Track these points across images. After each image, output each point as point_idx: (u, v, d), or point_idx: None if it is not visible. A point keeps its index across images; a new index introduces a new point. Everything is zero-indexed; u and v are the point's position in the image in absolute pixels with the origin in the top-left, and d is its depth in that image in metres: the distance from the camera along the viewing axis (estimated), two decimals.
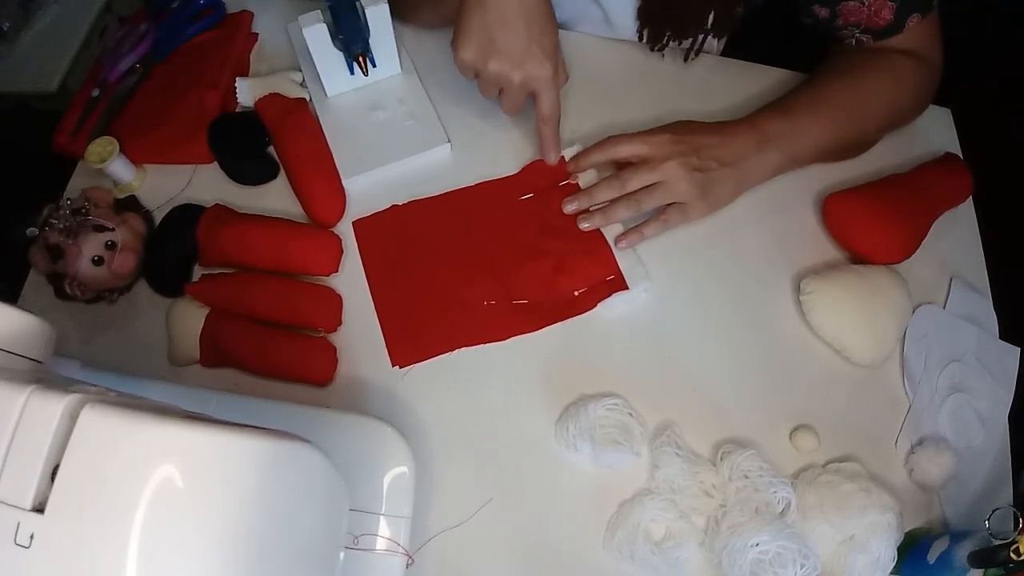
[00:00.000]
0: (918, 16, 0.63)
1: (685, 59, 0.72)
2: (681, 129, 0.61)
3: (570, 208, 0.63)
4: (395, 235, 0.64)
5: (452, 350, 0.59)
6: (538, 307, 0.61)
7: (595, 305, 0.60)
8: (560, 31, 0.71)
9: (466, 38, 0.57)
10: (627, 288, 0.60)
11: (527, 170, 0.66)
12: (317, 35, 0.61)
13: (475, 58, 0.57)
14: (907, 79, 0.65)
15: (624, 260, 0.62)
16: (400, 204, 0.65)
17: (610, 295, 0.60)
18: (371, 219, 0.64)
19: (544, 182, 0.66)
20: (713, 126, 0.62)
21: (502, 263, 0.62)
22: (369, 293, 0.61)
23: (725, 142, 0.61)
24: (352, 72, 0.66)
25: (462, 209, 0.65)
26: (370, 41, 0.64)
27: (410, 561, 0.48)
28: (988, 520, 0.47)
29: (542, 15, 0.57)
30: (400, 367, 0.58)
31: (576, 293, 0.61)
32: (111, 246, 0.57)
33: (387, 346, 0.59)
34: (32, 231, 0.57)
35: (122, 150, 0.62)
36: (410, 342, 0.59)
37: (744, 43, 0.76)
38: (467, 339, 0.59)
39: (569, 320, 0.60)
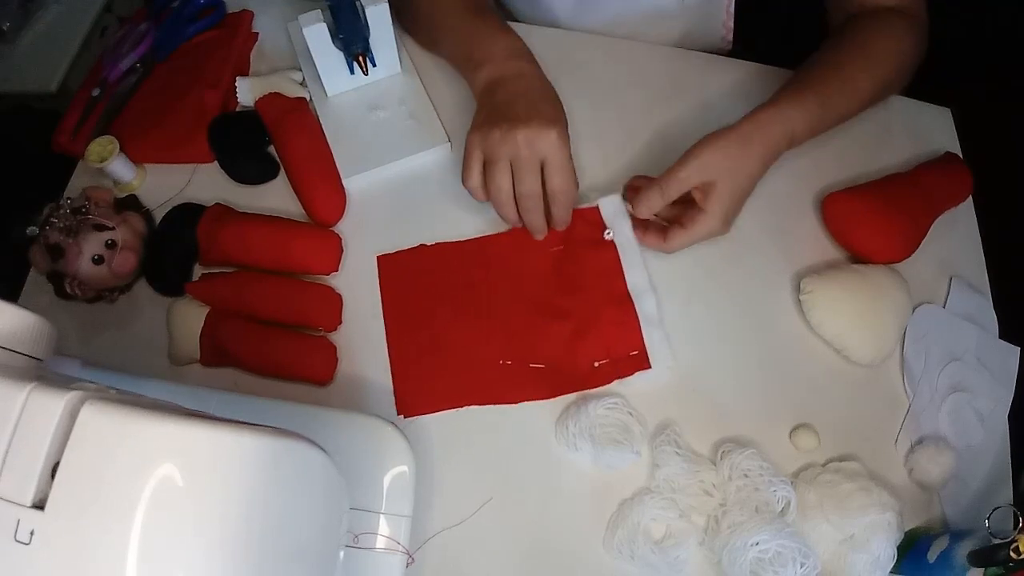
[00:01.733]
0: None
1: None
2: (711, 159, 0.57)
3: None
4: (418, 277, 0.62)
5: (461, 407, 0.57)
6: (555, 374, 0.58)
7: (613, 381, 0.58)
8: (560, 30, 0.72)
9: (474, 126, 0.58)
10: (650, 367, 0.58)
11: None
12: (317, 35, 0.61)
13: (480, 135, 0.56)
14: (902, 36, 0.64)
15: (651, 335, 0.59)
16: (428, 245, 0.63)
17: (633, 373, 0.58)
18: (396, 257, 0.62)
19: (577, 235, 0.62)
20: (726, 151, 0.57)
21: (523, 321, 0.59)
22: (371, 298, 0.61)
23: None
24: (352, 72, 0.66)
25: (489, 257, 0.62)
26: (370, 41, 0.64)
27: (410, 560, 0.48)
28: (988, 519, 0.47)
29: (543, 92, 0.59)
30: (405, 417, 0.57)
31: (596, 364, 0.58)
32: (111, 245, 0.57)
33: (395, 393, 0.57)
34: (32, 230, 0.57)
35: (122, 150, 0.62)
36: (419, 393, 0.57)
37: (744, 43, 0.76)
38: (478, 398, 0.57)
39: None
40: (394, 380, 0.58)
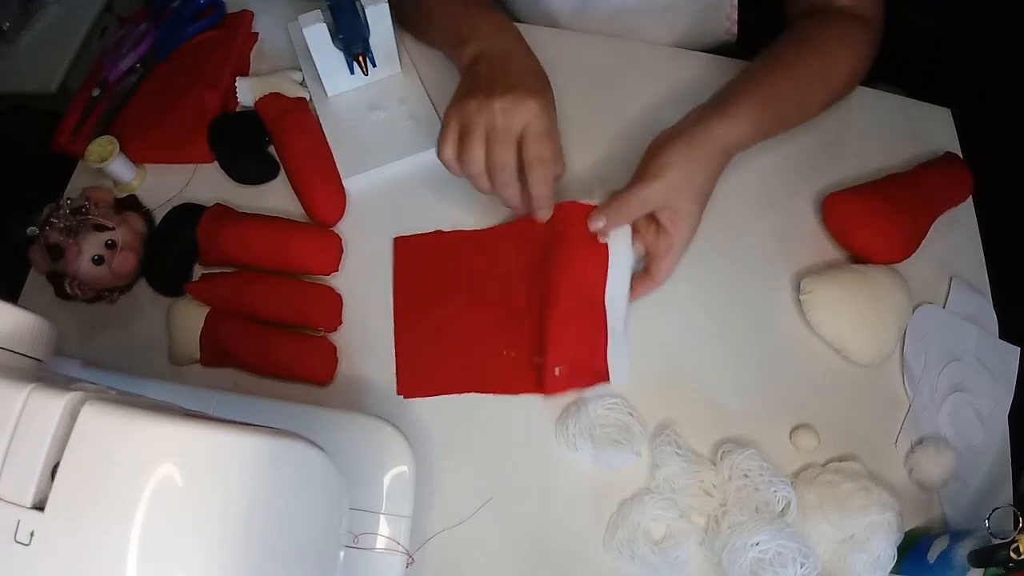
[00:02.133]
0: None
1: None
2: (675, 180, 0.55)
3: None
4: (432, 262, 0.62)
5: (461, 393, 0.58)
6: (526, 370, 0.58)
7: (567, 390, 0.56)
8: (559, 29, 0.71)
9: (452, 98, 0.56)
10: (607, 382, 0.56)
11: (565, 208, 0.59)
12: (317, 35, 0.61)
13: (456, 107, 0.54)
14: (860, 45, 0.64)
15: (615, 351, 0.57)
16: (445, 231, 0.63)
17: (589, 386, 0.57)
18: (413, 239, 0.63)
19: (574, 231, 0.58)
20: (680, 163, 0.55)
21: (531, 314, 0.59)
22: (371, 298, 0.61)
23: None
24: (352, 72, 0.66)
25: (495, 247, 0.62)
26: (370, 41, 0.64)
27: (410, 560, 0.48)
28: (988, 519, 0.47)
29: (529, 69, 0.57)
30: (405, 397, 0.57)
31: (556, 370, 0.55)
32: (111, 245, 0.57)
33: (397, 373, 0.58)
34: (32, 230, 0.57)
35: (122, 150, 0.62)
36: (421, 375, 0.58)
37: (745, 43, 0.76)
38: (478, 385, 0.58)
39: None
40: (397, 360, 0.58)
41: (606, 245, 0.57)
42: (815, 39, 0.63)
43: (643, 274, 0.58)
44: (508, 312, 0.60)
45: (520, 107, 0.53)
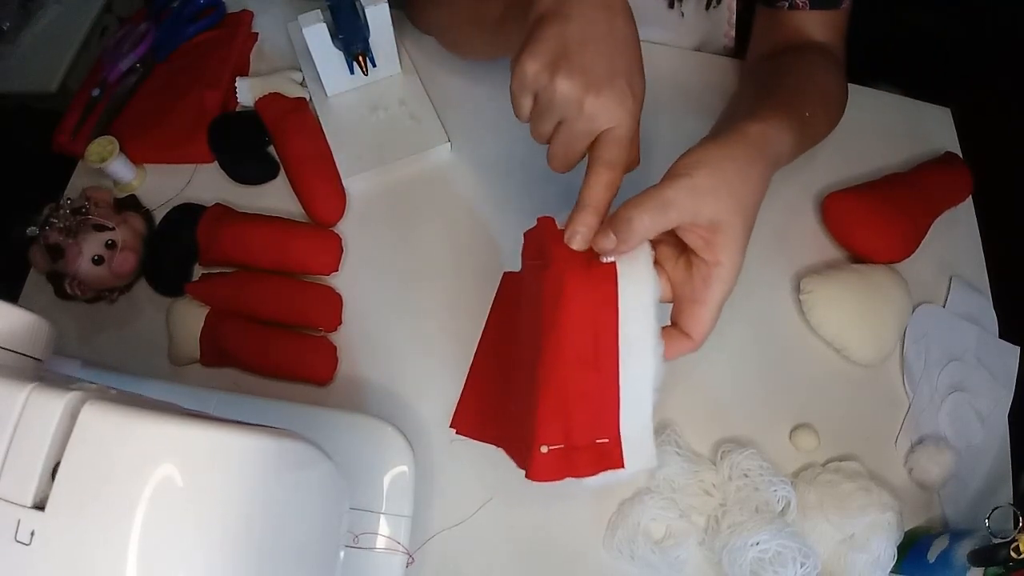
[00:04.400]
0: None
1: (707, 7, 0.71)
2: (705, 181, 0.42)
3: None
4: (515, 304, 0.53)
5: (499, 447, 0.50)
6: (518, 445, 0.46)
7: (562, 479, 0.42)
8: None
9: (537, 47, 0.42)
10: (622, 467, 0.42)
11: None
12: (317, 35, 0.61)
13: (542, 70, 0.42)
14: (842, 81, 0.63)
15: (633, 419, 0.42)
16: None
17: (595, 473, 0.42)
18: (516, 276, 0.57)
19: (565, 253, 0.44)
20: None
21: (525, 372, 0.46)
22: (371, 298, 0.61)
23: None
24: (352, 72, 0.66)
25: (520, 287, 0.53)
26: (370, 41, 0.64)
27: (410, 560, 0.48)
28: (988, 519, 0.47)
29: (631, 50, 0.44)
30: (456, 432, 0.55)
31: (545, 449, 0.41)
32: (111, 245, 0.57)
33: (458, 405, 0.56)
34: (32, 230, 0.57)
35: (122, 150, 0.62)
36: (479, 417, 0.53)
37: (745, 43, 0.76)
38: (511, 449, 0.47)
39: None
40: (463, 392, 0.56)
41: (611, 266, 0.43)
42: (812, 69, 0.61)
43: (673, 329, 0.44)
44: (518, 365, 0.48)
45: (612, 113, 0.42)
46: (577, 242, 0.43)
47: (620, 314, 0.42)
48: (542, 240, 0.46)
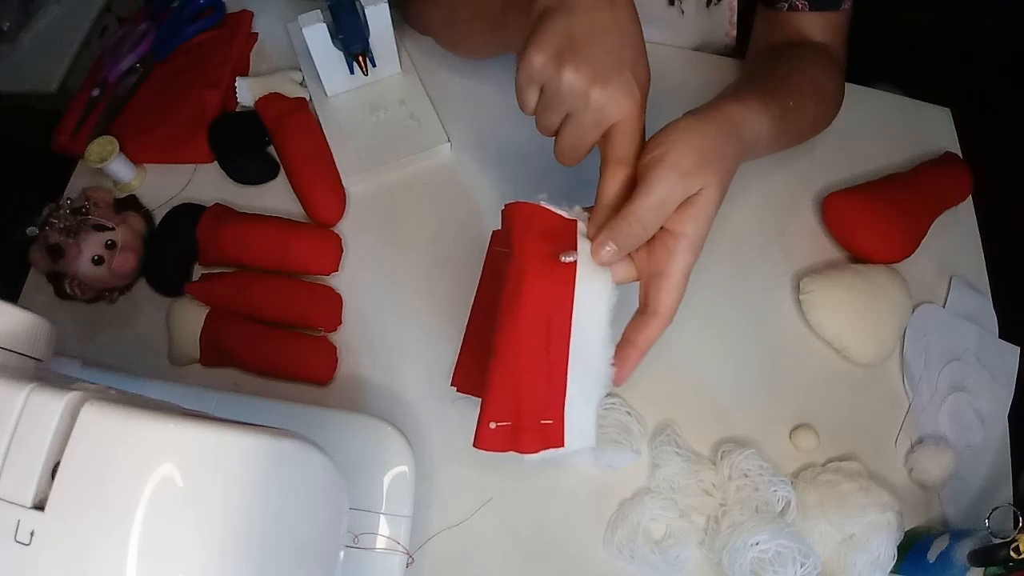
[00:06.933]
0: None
1: (707, 5, 0.71)
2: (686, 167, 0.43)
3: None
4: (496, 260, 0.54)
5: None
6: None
7: (506, 451, 0.44)
8: None
9: (543, 39, 0.43)
10: (562, 445, 0.44)
11: (528, 210, 0.46)
12: (317, 35, 0.61)
13: (548, 62, 0.43)
14: (840, 81, 0.63)
15: (576, 407, 0.44)
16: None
17: (536, 451, 0.44)
18: (500, 233, 0.53)
19: (532, 245, 0.45)
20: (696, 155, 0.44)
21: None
22: (371, 298, 0.61)
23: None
24: (352, 72, 0.66)
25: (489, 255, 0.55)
26: (370, 41, 0.64)
27: (410, 560, 0.48)
28: (988, 519, 0.47)
29: (636, 41, 0.44)
30: (458, 391, 0.54)
31: (493, 425, 0.44)
32: (111, 246, 0.57)
33: (456, 364, 0.55)
34: (32, 231, 0.57)
35: (122, 150, 0.62)
36: (479, 372, 0.48)
37: (746, 43, 0.76)
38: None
39: None
40: (462, 350, 0.55)
41: (571, 266, 0.44)
42: (808, 64, 0.61)
43: (639, 317, 0.45)
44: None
45: (619, 103, 0.43)
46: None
47: (574, 313, 0.44)
48: (508, 229, 0.46)
